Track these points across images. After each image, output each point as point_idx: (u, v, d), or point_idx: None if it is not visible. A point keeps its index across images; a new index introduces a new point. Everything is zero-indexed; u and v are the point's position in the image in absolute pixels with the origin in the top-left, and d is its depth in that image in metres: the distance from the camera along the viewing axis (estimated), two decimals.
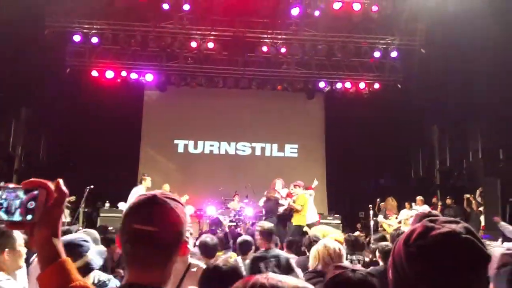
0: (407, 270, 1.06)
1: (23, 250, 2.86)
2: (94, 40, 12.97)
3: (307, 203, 10.05)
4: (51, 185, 1.23)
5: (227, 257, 5.26)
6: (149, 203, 1.35)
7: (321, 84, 14.74)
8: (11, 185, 1.23)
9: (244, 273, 2.82)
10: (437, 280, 1.03)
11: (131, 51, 13.66)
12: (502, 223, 8.68)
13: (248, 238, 5.85)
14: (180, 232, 1.36)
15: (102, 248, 3.20)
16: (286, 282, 1.00)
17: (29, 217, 1.19)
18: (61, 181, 1.25)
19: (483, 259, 1.05)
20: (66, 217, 8.64)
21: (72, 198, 10.68)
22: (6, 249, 2.76)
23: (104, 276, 2.89)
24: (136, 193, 9.62)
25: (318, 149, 16.05)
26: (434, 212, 2.87)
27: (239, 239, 5.84)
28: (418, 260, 1.05)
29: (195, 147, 15.99)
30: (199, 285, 2.48)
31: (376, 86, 14.48)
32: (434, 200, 12.66)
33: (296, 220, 9.86)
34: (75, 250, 2.50)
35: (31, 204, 1.20)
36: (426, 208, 11.42)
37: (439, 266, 1.03)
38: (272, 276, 1.10)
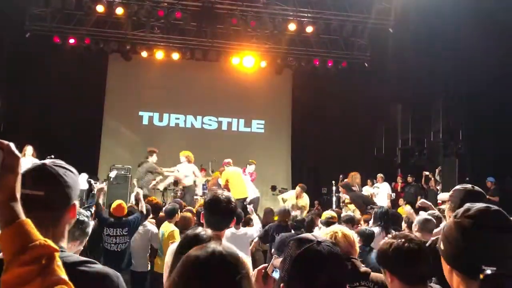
0: (459, 238, 1.36)
1: None
2: (57, 4, 12.37)
3: (233, 179, 10.06)
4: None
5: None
6: (38, 170, 1.53)
7: (290, 60, 14.67)
8: None
9: None
10: (485, 238, 1.32)
11: (95, 18, 13.16)
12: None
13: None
14: (67, 196, 1.54)
15: None
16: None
17: None
18: (11, 144, 1.16)
19: None
20: None
21: None
22: None
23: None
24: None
25: (284, 125, 16.07)
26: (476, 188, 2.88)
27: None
28: (468, 226, 1.35)
29: (160, 119, 15.72)
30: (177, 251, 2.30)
31: (344, 64, 14.56)
32: (398, 178, 12.97)
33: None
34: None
35: None
36: (386, 186, 11.71)
37: (486, 227, 1.33)
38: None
